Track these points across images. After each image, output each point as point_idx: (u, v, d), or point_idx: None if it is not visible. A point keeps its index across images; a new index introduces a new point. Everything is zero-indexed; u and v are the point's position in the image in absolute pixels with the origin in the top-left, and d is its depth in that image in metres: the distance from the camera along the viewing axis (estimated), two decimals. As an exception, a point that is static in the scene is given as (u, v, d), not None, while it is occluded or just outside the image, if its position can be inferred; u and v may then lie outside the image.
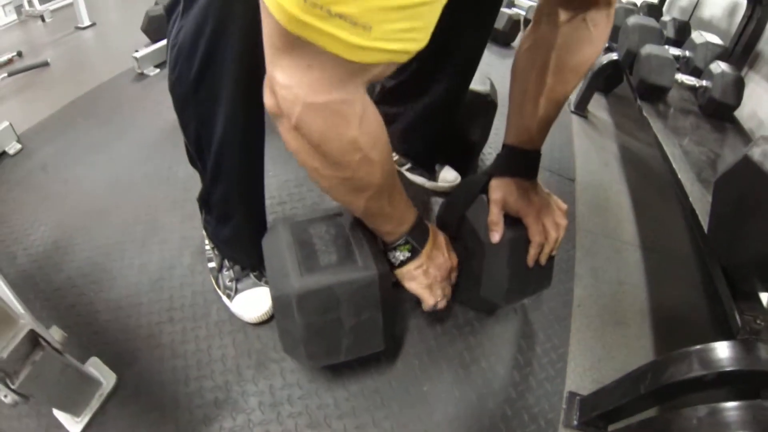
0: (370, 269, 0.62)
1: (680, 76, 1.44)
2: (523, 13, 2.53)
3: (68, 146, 1.30)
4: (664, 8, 2.40)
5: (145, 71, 1.72)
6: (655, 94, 1.37)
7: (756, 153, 0.63)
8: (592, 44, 0.68)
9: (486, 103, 1.07)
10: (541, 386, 0.79)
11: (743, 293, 0.68)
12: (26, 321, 0.62)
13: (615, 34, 1.75)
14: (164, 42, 1.81)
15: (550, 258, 0.75)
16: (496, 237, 0.70)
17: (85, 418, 0.72)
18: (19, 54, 2.06)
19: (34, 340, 0.63)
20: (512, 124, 0.75)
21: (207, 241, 0.86)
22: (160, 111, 1.47)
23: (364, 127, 0.48)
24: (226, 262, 0.83)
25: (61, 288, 0.87)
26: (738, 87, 1.39)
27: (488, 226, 0.71)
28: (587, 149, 1.51)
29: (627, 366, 0.69)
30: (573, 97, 1.80)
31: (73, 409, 0.72)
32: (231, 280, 0.82)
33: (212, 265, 0.86)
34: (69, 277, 0.89)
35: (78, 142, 1.32)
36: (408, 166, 1.15)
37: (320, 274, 0.61)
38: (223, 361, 0.77)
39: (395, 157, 1.15)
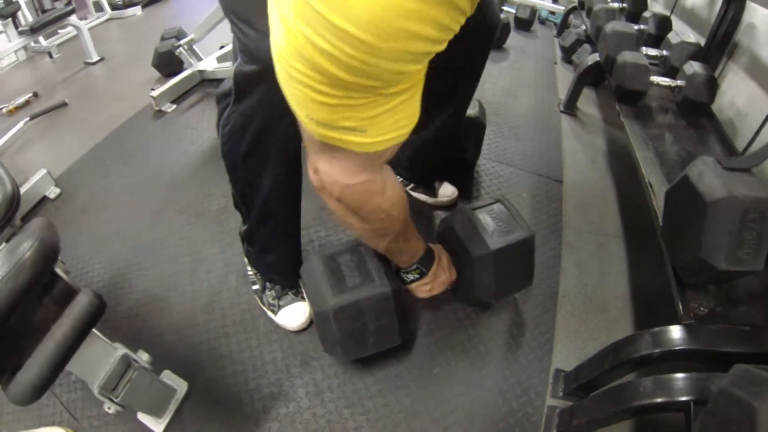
0: (386, 286, 0.85)
1: (656, 78, 1.62)
2: (513, 11, 2.70)
3: (104, 189, 1.53)
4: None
5: (162, 108, 1.93)
6: (632, 97, 1.57)
7: (693, 173, 0.84)
8: None
9: (477, 125, 1.28)
10: (531, 365, 1.02)
11: (691, 284, 0.89)
12: (120, 348, 0.84)
13: (597, 36, 1.94)
14: (177, 78, 2.03)
15: (531, 260, 0.97)
16: None
17: (165, 420, 0.95)
18: (35, 94, 2.28)
19: (126, 362, 0.85)
20: None
21: (249, 268, 1.09)
22: (183, 149, 1.69)
23: (386, 195, 0.68)
24: (268, 284, 1.06)
25: (127, 317, 1.10)
26: (710, 85, 1.57)
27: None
28: (575, 149, 1.72)
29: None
30: (562, 97, 2.00)
31: (157, 413, 0.95)
32: (274, 299, 1.06)
33: (256, 287, 1.09)
34: (131, 308, 1.12)
35: (112, 184, 1.54)
36: (411, 186, 1.36)
37: (348, 293, 0.84)
38: (274, 363, 1.01)
39: (399, 179, 1.36)
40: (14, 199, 0.89)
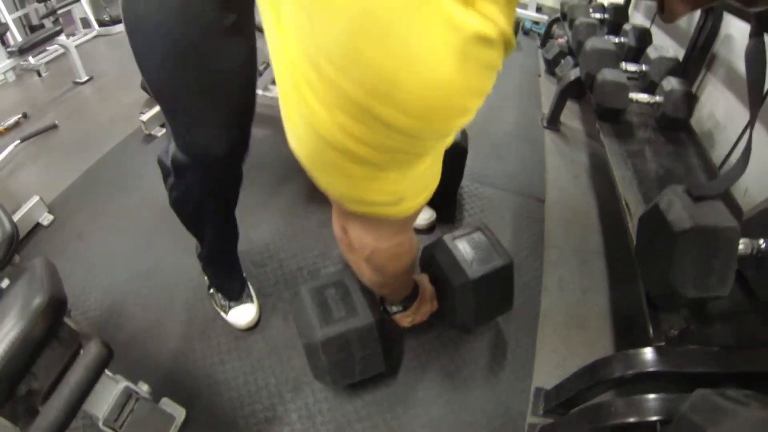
0: (369, 318, 0.92)
1: (635, 95, 1.69)
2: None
3: (97, 214, 1.56)
4: (630, 9, 2.65)
5: (152, 132, 1.97)
6: (612, 114, 1.63)
7: (663, 202, 0.90)
8: None
9: (458, 151, 1.33)
10: (513, 385, 1.08)
11: (663, 307, 0.95)
12: (121, 380, 0.88)
13: (579, 49, 2.00)
14: None
15: (510, 286, 1.03)
16: None
17: (165, 446, 1.00)
18: (25, 115, 2.30)
19: (128, 393, 0.89)
20: None
21: (205, 278, 1.23)
22: None
23: (412, 255, 0.73)
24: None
25: (126, 346, 1.14)
26: (688, 101, 1.64)
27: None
28: (558, 165, 1.78)
29: (588, 363, 0.96)
30: (546, 111, 2.06)
31: (157, 440, 0.99)
32: (224, 300, 1.19)
33: (210, 291, 1.22)
34: (130, 336, 1.16)
35: (105, 210, 1.58)
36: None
37: (335, 325, 0.91)
38: (268, 388, 1.05)
39: None
40: (13, 238, 0.92)
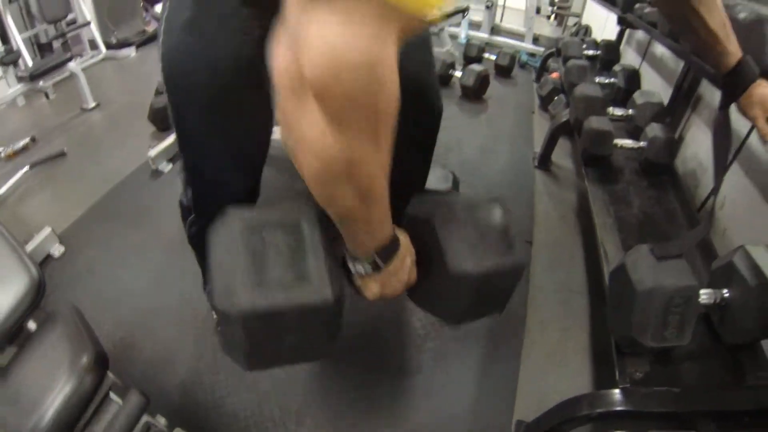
0: (326, 292, 0.60)
1: (620, 141, 1.83)
2: (493, 57, 2.94)
3: (107, 248, 1.68)
4: (622, 45, 2.82)
5: (159, 167, 2.10)
6: (597, 160, 1.78)
7: (629, 262, 1.04)
8: None
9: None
10: (495, 417, 1.20)
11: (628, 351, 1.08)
12: (144, 416, 1.01)
13: (570, 90, 2.15)
14: (173, 136, 2.20)
15: (512, 288, 0.81)
16: None
17: (178, 473, 1.12)
18: (33, 139, 2.43)
19: (147, 427, 1.01)
20: (712, 59, 1.05)
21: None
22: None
23: (393, 84, 0.46)
24: None
25: (140, 379, 1.26)
26: (670, 147, 1.77)
27: (761, 133, 1.03)
28: (547, 207, 1.93)
29: (564, 399, 1.08)
30: (538, 149, 2.21)
31: (171, 468, 1.11)
32: None
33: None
34: (142, 370, 1.28)
35: (115, 244, 1.70)
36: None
37: (270, 292, 0.58)
38: (273, 419, 1.17)
39: None
40: (41, 284, 1.05)
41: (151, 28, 3.69)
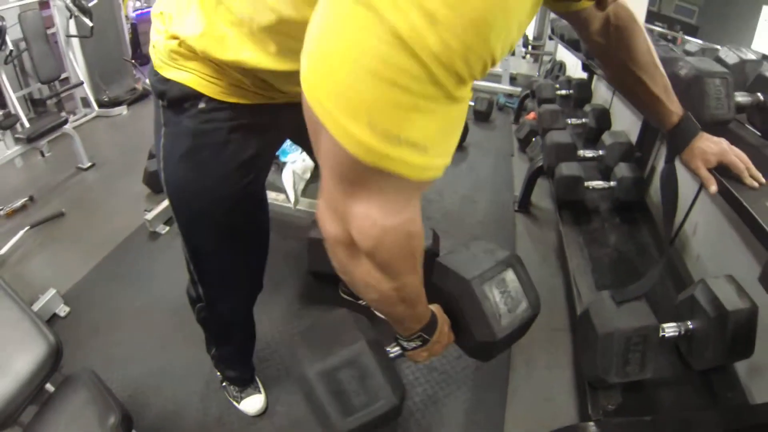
0: (392, 401, 0.83)
1: (591, 183, 2.00)
2: (472, 104, 3.13)
3: (111, 310, 1.80)
4: (594, 82, 3.04)
5: (156, 230, 2.24)
6: (570, 204, 1.95)
7: (592, 308, 1.18)
8: (634, 24, 1.01)
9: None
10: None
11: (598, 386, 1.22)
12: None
13: (544, 135, 2.35)
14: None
15: (529, 326, 0.98)
16: (713, 188, 1.09)
17: None
18: (31, 198, 2.56)
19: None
20: (655, 118, 1.14)
21: (218, 374, 1.46)
22: (182, 273, 1.96)
23: (421, 238, 0.63)
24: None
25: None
26: (638, 185, 1.95)
27: (704, 182, 1.10)
28: (528, 249, 2.09)
29: None
30: (518, 193, 2.39)
31: None
32: (237, 392, 1.45)
33: (224, 384, 1.47)
34: (152, 424, 1.39)
35: (119, 306, 1.82)
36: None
37: (356, 416, 0.82)
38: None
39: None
40: (59, 350, 1.17)
41: (141, 86, 3.89)
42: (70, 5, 3.14)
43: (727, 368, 1.23)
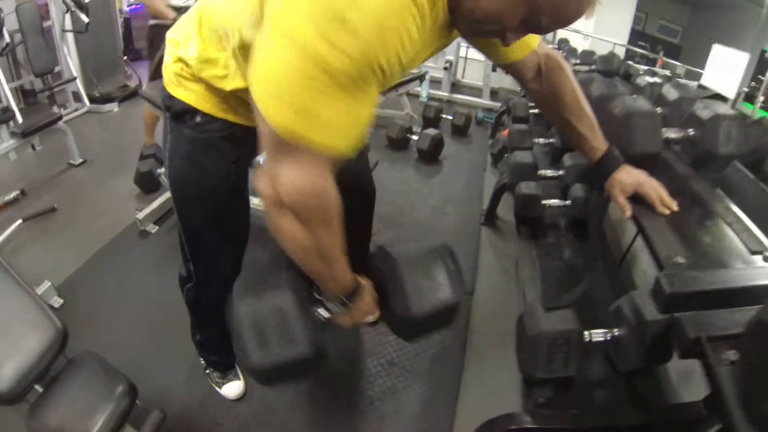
0: (305, 350, 0.91)
1: (548, 201, 2.23)
2: (450, 117, 3.36)
3: (103, 304, 1.98)
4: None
5: (146, 228, 2.41)
6: (529, 221, 2.19)
7: (526, 314, 1.41)
8: (561, 72, 1.21)
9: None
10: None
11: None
12: None
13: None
14: (159, 200, 2.52)
15: (454, 313, 1.08)
16: (628, 213, 1.25)
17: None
18: (23, 192, 2.71)
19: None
20: (583, 152, 1.32)
21: (202, 360, 1.65)
22: (171, 270, 2.06)
23: (335, 196, 0.81)
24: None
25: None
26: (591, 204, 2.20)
27: (620, 208, 1.24)
28: (490, 261, 2.32)
29: None
30: (485, 207, 2.62)
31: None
32: (219, 378, 1.64)
33: (207, 371, 1.67)
34: (142, 406, 1.57)
35: (110, 300, 2.00)
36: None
37: (271, 353, 0.90)
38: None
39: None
40: (65, 333, 1.35)
41: (132, 83, 4.04)
42: (68, 0, 3.28)
43: (652, 372, 1.45)
